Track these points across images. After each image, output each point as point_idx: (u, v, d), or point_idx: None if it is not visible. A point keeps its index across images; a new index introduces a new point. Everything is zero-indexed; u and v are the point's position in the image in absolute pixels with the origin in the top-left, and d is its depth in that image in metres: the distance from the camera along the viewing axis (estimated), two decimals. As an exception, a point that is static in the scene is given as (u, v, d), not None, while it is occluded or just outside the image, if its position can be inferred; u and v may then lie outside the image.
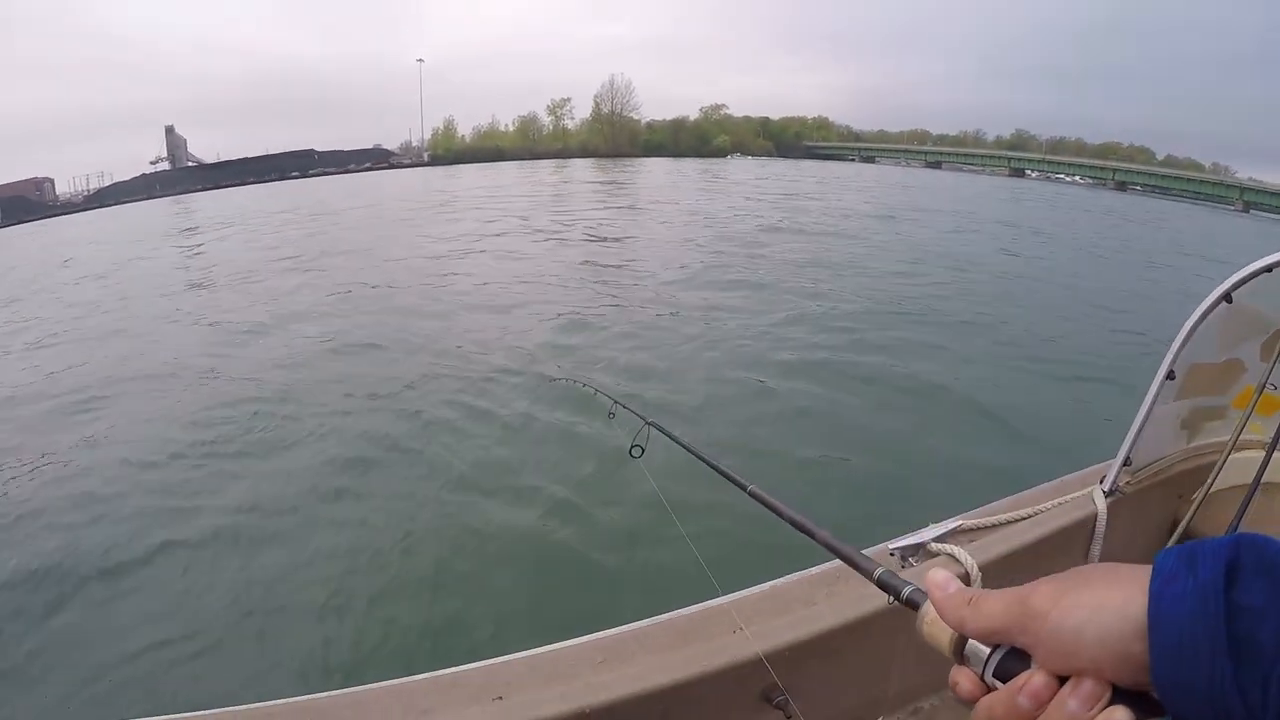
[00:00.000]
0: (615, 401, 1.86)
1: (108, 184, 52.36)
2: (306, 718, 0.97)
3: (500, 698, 1.01)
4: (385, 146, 71.15)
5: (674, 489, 3.15)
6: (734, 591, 1.26)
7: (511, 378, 6.04)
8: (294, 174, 59.22)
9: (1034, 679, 0.42)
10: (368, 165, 65.08)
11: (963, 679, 0.47)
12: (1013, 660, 0.44)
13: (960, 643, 0.47)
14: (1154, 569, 0.40)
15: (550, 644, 1.13)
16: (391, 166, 65.57)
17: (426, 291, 9.99)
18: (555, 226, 17.53)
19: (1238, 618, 0.35)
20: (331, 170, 61.92)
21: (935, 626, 0.49)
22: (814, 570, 1.33)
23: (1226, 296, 1.49)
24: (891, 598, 0.57)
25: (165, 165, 56.63)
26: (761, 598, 1.25)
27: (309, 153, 63.16)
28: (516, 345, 7.11)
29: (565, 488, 4.09)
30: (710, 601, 1.22)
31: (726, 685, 1.11)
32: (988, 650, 0.46)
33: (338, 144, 68.41)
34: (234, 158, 60.01)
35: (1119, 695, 0.40)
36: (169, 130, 57.52)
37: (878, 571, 0.61)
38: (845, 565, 1.08)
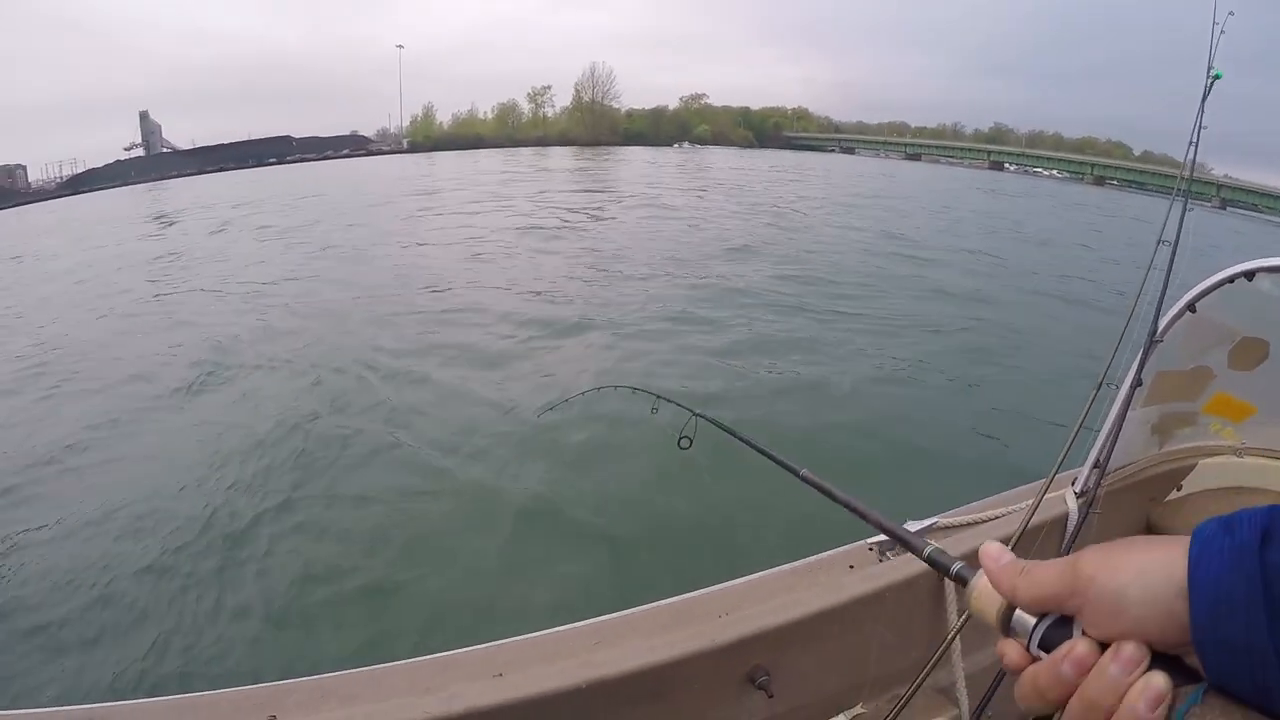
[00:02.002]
0: (658, 397, 1.86)
1: (81, 171, 52.50)
2: (320, 695, 1.01)
3: (500, 674, 1.06)
4: (362, 133, 71.11)
5: (725, 475, 3.65)
6: (721, 582, 1.35)
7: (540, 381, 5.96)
8: (271, 160, 59.19)
9: (1077, 647, 0.43)
10: (345, 152, 65.10)
11: (1009, 650, 0.48)
12: (1057, 630, 0.46)
13: (1008, 614, 0.49)
14: (1194, 532, 0.41)
15: (547, 628, 1.18)
16: (369, 154, 65.60)
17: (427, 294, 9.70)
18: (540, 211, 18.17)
19: (1273, 576, 0.37)
20: (310, 157, 61.92)
21: (984, 599, 0.51)
22: (798, 563, 1.39)
23: (1191, 306, 1.56)
24: (941, 574, 0.59)
25: (140, 152, 56.57)
26: (747, 586, 1.31)
27: (286, 139, 63.08)
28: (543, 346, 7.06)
29: (622, 486, 4.20)
30: (698, 591, 1.29)
31: (712, 665, 1.17)
32: (1033, 621, 0.47)
33: (314, 131, 68.22)
34: (210, 144, 60.05)
35: (1158, 661, 0.41)
36: (143, 116, 57.16)
37: (927, 549, 0.63)
38: (826, 558, 1.34)
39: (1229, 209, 63.66)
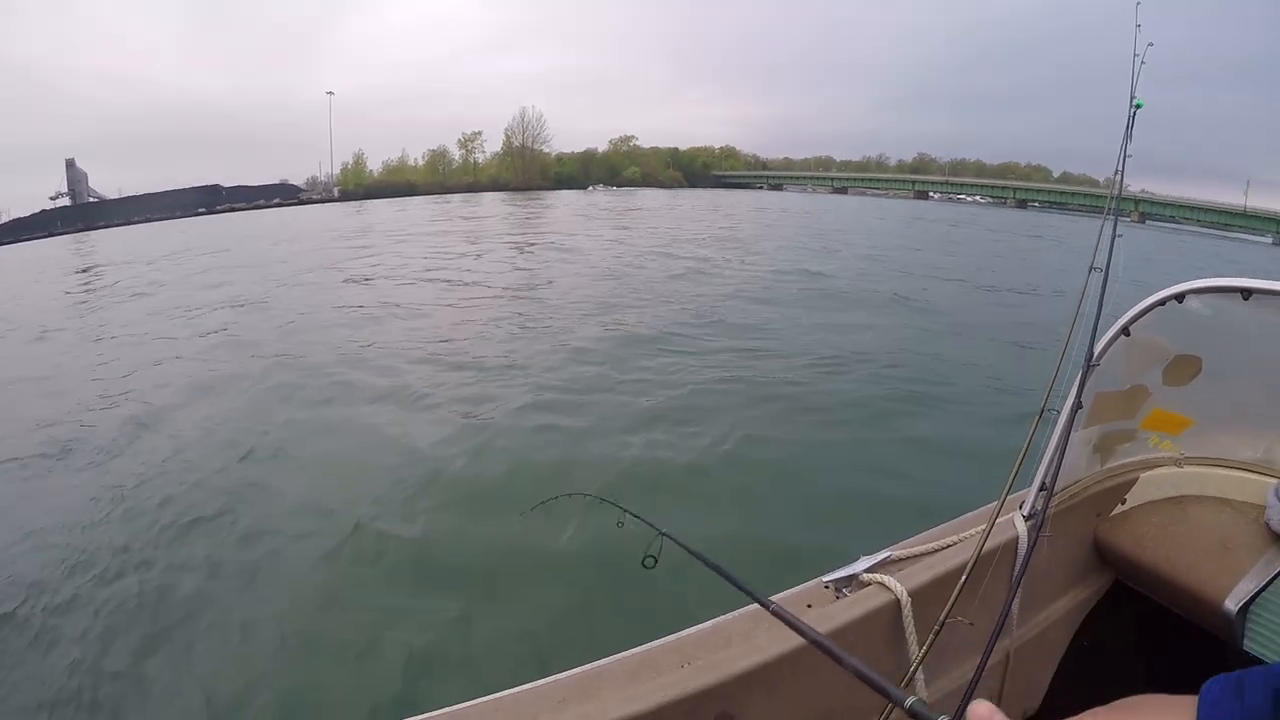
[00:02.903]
0: (624, 510, 1.84)
1: (5, 221, 54.11)
2: None
3: None
4: (292, 182, 73.59)
5: (692, 600, 3.14)
6: (679, 630, 1.35)
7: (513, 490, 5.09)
8: (200, 210, 61.00)
9: None
10: (276, 201, 67.11)
11: None
12: None
13: None
14: (1200, 697, 0.39)
15: (510, 688, 1.17)
16: (300, 202, 67.60)
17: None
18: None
19: None
20: (240, 206, 63.81)
21: None
22: (751, 608, 1.39)
23: (1125, 330, 1.62)
24: None
25: (66, 201, 58.36)
26: (706, 633, 1.33)
27: (215, 188, 65.19)
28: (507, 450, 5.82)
29: (583, 603, 3.85)
30: (658, 641, 1.30)
31: (680, 715, 1.17)
32: None
33: (244, 179, 70.66)
34: (138, 193, 61.97)
35: None
36: (69, 164, 58.75)
37: (909, 701, 0.62)
38: (784, 598, 1.38)
39: (1148, 222, 64.20)
